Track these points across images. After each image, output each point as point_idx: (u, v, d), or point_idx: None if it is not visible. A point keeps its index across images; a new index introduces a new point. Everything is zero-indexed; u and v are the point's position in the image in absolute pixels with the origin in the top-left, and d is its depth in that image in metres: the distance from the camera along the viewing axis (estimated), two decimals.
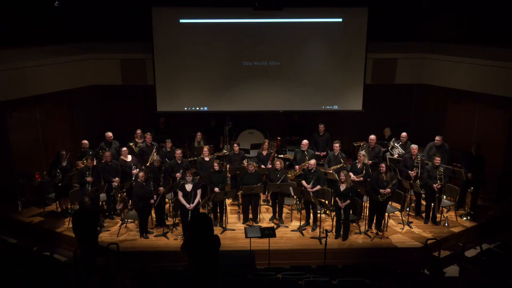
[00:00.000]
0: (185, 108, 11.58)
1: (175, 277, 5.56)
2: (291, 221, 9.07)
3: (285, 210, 9.26)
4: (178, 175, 9.02)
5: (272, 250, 7.55)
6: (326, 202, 8.71)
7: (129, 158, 9.31)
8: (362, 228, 8.65)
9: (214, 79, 11.46)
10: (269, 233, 7.40)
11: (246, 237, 7.51)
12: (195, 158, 9.91)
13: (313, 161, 8.79)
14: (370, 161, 9.41)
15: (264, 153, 9.71)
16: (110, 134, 9.99)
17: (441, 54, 11.22)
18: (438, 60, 11.33)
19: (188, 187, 8.29)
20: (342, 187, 8.12)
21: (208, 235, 4.22)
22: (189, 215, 8.19)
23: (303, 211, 9.01)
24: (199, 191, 8.39)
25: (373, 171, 8.88)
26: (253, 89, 11.50)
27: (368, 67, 11.48)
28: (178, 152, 9.23)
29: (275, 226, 8.46)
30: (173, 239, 8.39)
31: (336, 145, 9.47)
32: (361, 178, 8.89)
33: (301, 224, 8.77)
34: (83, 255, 6.41)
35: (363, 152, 9.28)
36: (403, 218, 8.91)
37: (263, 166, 9.53)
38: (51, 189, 9.38)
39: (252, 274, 6.30)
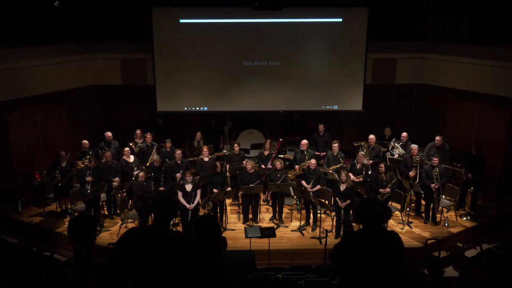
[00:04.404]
0: (185, 108, 11.57)
1: (175, 277, 5.55)
2: (291, 221, 9.08)
3: (285, 210, 9.26)
4: (178, 175, 9.02)
5: (272, 250, 7.56)
6: (326, 202, 8.71)
7: (131, 158, 9.32)
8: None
9: (214, 79, 11.45)
10: (269, 233, 7.40)
11: (246, 237, 7.51)
12: (195, 158, 9.91)
13: (314, 161, 8.80)
14: (371, 161, 9.41)
15: (266, 153, 9.71)
16: (109, 134, 9.99)
17: (441, 54, 11.21)
18: (438, 60, 11.32)
19: (188, 187, 8.29)
20: (342, 187, 8.12)
21: (214, 236, 4.21)
22: (189, 215, 8.21)
23: (303, 211, 9.01)
24: (198, 191, 8.39)
25: (373, 171, 8.89)
26: (253, 89, 11.49)
27: (368, 67, 11.47)
28: (178, 152, 9.23)
29: (275, 226, 8.46)
30: None
31: (335, 145, 9.48)
32: (361, 179, 8.89)
33: (301, 224, 8.78)
34: (79, 255, 6.40)
35: (362, 153, 9.29)
36: (403, 218, 8.91)
37: (263, 166, 9.54)
38: (51, 189, 9.38)
39: (252, 274, 6.30)
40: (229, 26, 11.17)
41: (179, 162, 9.17)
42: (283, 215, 9.10)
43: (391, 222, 8.88)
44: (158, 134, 10.80)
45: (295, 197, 9.11)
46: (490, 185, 9.66)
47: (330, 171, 9.28)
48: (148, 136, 9.88)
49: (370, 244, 3.27)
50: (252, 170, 8.79)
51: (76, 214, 8.91)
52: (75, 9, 10.97)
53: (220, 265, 4.22)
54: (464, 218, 9.05)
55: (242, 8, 10.87)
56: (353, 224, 8.63)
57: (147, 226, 3.41)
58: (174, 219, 8.81)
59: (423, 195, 8.93)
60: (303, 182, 8.80)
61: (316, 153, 10.18)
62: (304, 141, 9.68)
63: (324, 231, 7.47)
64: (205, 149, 9.37)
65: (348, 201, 8.08)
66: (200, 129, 10.90)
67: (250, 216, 8.95)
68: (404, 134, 10.08)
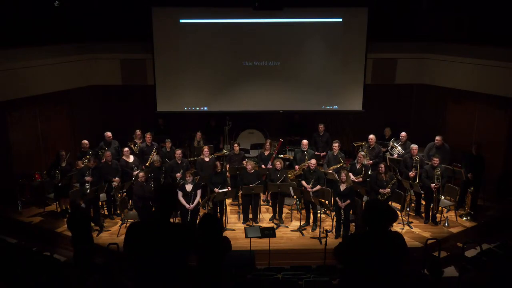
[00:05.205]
0: (185, 108, 11.57)
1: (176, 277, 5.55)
2: (291, 221, 9.07)
3: (285, 210, 9.26)
4: (178, 175, 9.02)
5: (272, 250, 7.56)
6: (326, 202, 8.71)
7: (131, 158, 9.32)
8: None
9: (214, 79, 11.46)
10: (269, 233, 7.40)
11: (246, 237, 7.51)
12: (195, 158, 9.91)
13: (314, 161, 8.80)
14: (371, 161, 9.41)
15: (266, 153, 9.72)
16: (109, 134, 10.00)
17: (441, 54, 11.21)
18: (438, 60, 11.32)
19: (188, 187, 8.30)
20: (342, 187, 8.13)
21: (216, 235, 4.21)
22: (189, 215, 8.22)
23: (303, 211, 9.01)
24: (199, 191, 8.40)
25: (373, 171, 8.89)
26: (253, 89, 11.49)
27: (368, 67, 11.47)
28: (178, 152, 9.23)
29: (275, 226, 8.46)
30: None
31: (335, 145, 9.48)
32: (361, 179, 8.90)
33: (301, 224, 8.78)
34: (79, 255, 6.42)
35: (362, 153, 9.29)
36: (403, 218, 8.91)
37: (263, 166, 9.54)
38: (51, 189, 9.38)
39: (252, 274, 6.30)
40: (229, 26, 11.17)
41: (179, 162, 9.17)
42: (283, 215, 9.10)
43: None
44: (158, 134, 10.81)
45: (295, 197, 9.11)
46: (490, 185, 9.66)
47: (330, 171, 9.28)
48: (148, 136, 9.88)
49: (375, 245, 3.29)
50: (252, 170, 8.79)
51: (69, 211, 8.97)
52: (75, 9, 10.97)
53: (220, 264, 4.22)
54: (464, 218, 9.05)
55: (242, 8, 10.88)
56: (352, 224, 8.66)
57: (149, 219, 3.41)
58: (174, 219, 8.81)
59: (423, 195, 8.93)
60: (303, 182, 8.80)
61: (316, 153, 10.18)
62: (305, 141, 9.68)
63: (324, 231, 7.48)
64: (205, 149, 9.38)
65: (348, 201, 8.07)
66: (200, 129, 10.90)
67: (250, 216, 8.95)
68: (403, 133, 10.07)
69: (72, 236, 7.29)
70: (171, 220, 8.45)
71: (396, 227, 8.80)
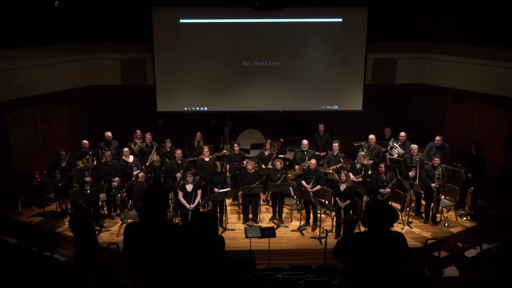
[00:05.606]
0: (185, 108, 11.58)
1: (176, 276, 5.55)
2: (291, 221, 9.08)
3: (285, 210, 9.27)
4: (179, 175, 9.02)
5: (272, 250, 7.56)
6: (326, 202, 8.72)
7: (131, 158, 9.32)
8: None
9: (214, 79, 11.46)
10: (269, 233, 7.40)
11: (246, 237, 7.51)
12: (195, 158, 9.92)
13: (314, 161, 8.80)
14: (371, 161, 9.42)
15: (266, 153, 9.72)
16: (109, 134, 10.00)
17: (441, 54, 11.21)
18: (438, 60, 11.33)
19: (189, 187, 8.30)
20: (342, 187, 8.13)
21: (212, 234, 4.22)
22: (189, 215, 8.22)
23: (303, 211, 9.02)
24: (199, 191, 8.40)
25: (373, 171, 8.90)
26: (253, 89, 11.49)
27: (368, 67, 11.47)
28: (178, 152, 9.24)
29: (275, 226, 8.46)
30: None
31: (335, 145, 9.49)
32: (360, 179, 8.90)
33: (301, 224, 8.78)
34: (80, 254, 6.41)
35: (362, 153, 9.29)
36: (403, 218, 8.91)
37: (263, 166, 9.54)
38: (51, 189, 9.38)
39: (252, 274, 6.30)
40: (229, 26, 11.17)
41: (179, 162, 9.18)
42: (283, 215, 9.10)
43: None
44: (158, 134, 10.81)
45: (295, 197, 9.11)
46: (490, 185, 9.67)
47: (330, 171, 9.28)
48: (148, 136, 9.89)
49: (376, 246, 3.29)
50: (253, 170, 8.79)
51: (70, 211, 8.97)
52: (75, 9, 10.97)
53: (219, 264, 4.23)
54: (464, 218, 9.05)
55: (242, 8, 10.89)
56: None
57: (147, 219, 3.39)
58: (174, 218, 8.82)
59: (423, 195, 8.93)
60: (303, 182, 8.81)
61: (316, 153, 10.19)
62: (305, 141, 9.69)
63: (324, 231, 7.47)
64: (206, 149, 9.38)
65: (348, 201, 8.08)
66: (200, 129, 10.90)
67: (250, 216, 8.95)
68: (402, 133, 10.08)
69: (74, 236, 7.28)
70: (172, 220, 8.47)
71: (396, 227, 8.80)
